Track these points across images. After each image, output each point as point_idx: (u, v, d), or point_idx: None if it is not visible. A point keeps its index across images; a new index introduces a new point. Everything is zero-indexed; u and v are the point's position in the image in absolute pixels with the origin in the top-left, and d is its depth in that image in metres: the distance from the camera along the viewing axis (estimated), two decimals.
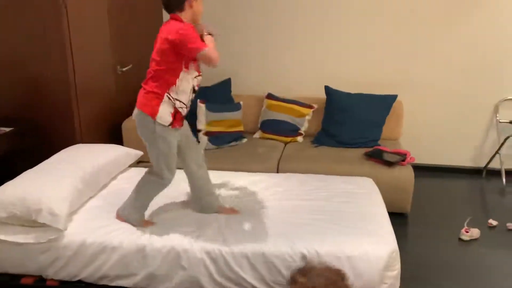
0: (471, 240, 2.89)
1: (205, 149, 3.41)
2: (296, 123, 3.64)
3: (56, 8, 2.58)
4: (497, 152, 3.75)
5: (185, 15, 2.04)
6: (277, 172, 3.18)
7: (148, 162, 3.09)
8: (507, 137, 3.58)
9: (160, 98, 2.04)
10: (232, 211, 2.28)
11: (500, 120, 3.81)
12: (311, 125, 3.69)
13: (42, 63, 2.69)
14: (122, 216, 2.17)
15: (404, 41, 3.75)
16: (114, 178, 2.59)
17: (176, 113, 2.08)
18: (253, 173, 2.79)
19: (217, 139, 3.45)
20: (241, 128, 3.61)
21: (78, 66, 2.78)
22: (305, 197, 2.40)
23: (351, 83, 3.79)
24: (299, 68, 3.89)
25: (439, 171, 4.00)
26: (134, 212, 2.14)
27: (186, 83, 2.06)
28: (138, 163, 3.06)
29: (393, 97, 3.55)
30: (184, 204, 2.33)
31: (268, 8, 3.82)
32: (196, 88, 2.16)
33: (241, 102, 3.67)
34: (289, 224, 2.09)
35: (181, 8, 2.02)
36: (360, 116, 3.48)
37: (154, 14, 3.87)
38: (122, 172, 2.68)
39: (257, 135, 3.73)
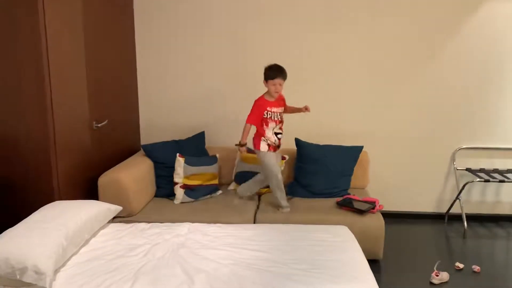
0: (441, 283, 3.03)
1: (182, 202, 3.45)
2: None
3: (38, 63, 2.63)
4: (457, 198, 4.00)
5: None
6: (254, 221, 3.25)
7: (123, 217, 3.11)
8: (466, 183, 3.84)
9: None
10: None
11: (457, 168, 4.09)
12: (283, 176, 3.80)
13: (19, 119, 2.70)
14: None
15: (366, 94, 4.03)
16: (94, 234, 2.58)
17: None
18: (232, 225, 2.85)
19: (194, 192, 3.50)
20: (216, 181, 3.69)
21: (58, 122, 2.80)
22: (286, 248, 2.47)
23: (319, 135, 3.99)
24: None
25: (404, 217, 4.20)
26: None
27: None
28: (114, 218, 3.06)
29: (359, 148, 3.76)
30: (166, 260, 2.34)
31: (237, 63, 4.04)
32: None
33: (217, 155, 3.76)
34: (276, 275, 2.14)
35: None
36: (330, 166, 3.65)
37: (129, 69, 3.98)
38: (101, 228, 2.67)
39: (232, 186, 3.81)
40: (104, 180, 3.16)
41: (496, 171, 4.02)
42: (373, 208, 3.31)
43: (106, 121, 3.47)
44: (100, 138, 3.44)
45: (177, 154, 3.52)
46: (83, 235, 2.37)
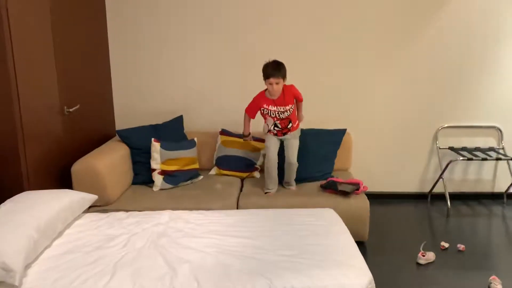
0: (427, 263, 3.01)
1: (161, 189, 3.31)
2: (251, 158, 3.65)
3: (0, 42, 2.44)
4: (440, 177, 3.98)
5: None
6: (237, 208, 3.15)
7: (99, 206, 2.96)
8: (449, 162, 3.81)
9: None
10: None
11: (440, 147, 4.06)
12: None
13: None
14: None
15: (349, 77, 3.94)
16: (68, 225, 2.43)
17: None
18: (215, 211, 2.74)
19: (173, 178, 3.37)
20: (196, 166, 3.56)
21: (25, 107, 2.61)
22: (271, 233, 2.38)
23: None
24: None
25: (388, 197, 4.17)
26: None
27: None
28: (90, 208, 2.91)
29: (343, 131, 3.68)
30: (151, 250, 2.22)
31: (218, 47, 3.88)
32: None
33: (196, 139, 3.63)
34: (263, 262, 2.05)
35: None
36: (313, 151, 3.56)
37: (101, 51, 3.78)
38: (76, 218, 2.52)
39: (213, 171, 3.69)
40: (78, 168, 2.99)
41: (478, 149, 4.00)
42: (358, 190, 3.25)
43: (78, 105, 3.28)
44: (72, 123, 3.25)
45: (152, 138, 3.37)
46: (56, 226, 2.22)
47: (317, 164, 3.57)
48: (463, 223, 3.69)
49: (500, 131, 4.06)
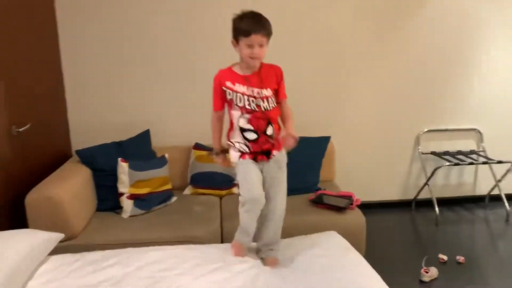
0: (431, 280, 2.80)
1: (132, 216, 2.89)
2: (229, 173, 3.30)
3: None
4: (426, 183, 3.82)
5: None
6: (222, 232, 2.80)
7: (62, 241, 2.49)
8: (436, 168, 3.66)
9: None
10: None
11: (422, 152, 3.92)
12: None
13: None
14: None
15: (328, 83, 3.70)
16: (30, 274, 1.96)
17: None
18: (210, 245, 2.33)
19: (144, 202, 2.96)
20: (169, 186, 3.16)
21: None
22: (288, 274, 1.99)
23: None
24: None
25: (372, 207, 3.95)
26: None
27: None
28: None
29: (327, 139, 3.43)
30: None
31: (187, 54, 3.50)
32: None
33: (166, 156, 3.24)
34: None
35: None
36: (298, 160, 3.26)
37: (53, 64, 3.30)
38: (41, 263, 2.05)
39: (188, 191, 3.31)
40: (33, 198, 2.51)
41: (460, 152, 3.89)
42: (352, 204, 3.00)
43: (29, 124, 2.80)
44: (23, 145, 2.77)
45: (119, 159, 2.95)
46: (15, 281, 1.76)
47: (301, 174, 3.28)
48: (454, 231, 3.55)
49: (480, 133, 3.97)
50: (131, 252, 2.10)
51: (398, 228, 3.62)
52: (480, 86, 3.88)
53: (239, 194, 2.13)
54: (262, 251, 2.23)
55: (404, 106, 3.84)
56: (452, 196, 4.08)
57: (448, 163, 3.61)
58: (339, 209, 2.94)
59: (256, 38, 1.95)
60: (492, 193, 4.05)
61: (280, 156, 2.22)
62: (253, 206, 2.08)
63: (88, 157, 3.00)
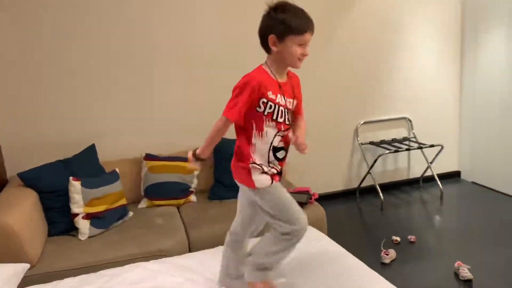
0: (391, 261, 2.98)
1: (90, 236, 2.73)
2: (185, 181, 3.25)
3: None
4: (369, 172, 4.05)
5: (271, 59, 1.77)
6: (189, 242, 2.74)
7: None
8: (378, 156, 3.90)
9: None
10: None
11: (362, 143, 4.15)
12: (201, 180, 3.35)
13: None
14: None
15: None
16: None
17: None
18: (187, 256, 2.28)
19: (102, 220, 2.80)
20: (124, 201, 3.03)
21: None
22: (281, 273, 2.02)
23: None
24: (175, 119, 3.52)
25: (319, 200, 4.10)
26: None
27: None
28: None
29: None
30: None
31: (129, 64, 3.37)
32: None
33: (117, 170, 3.09)
34: None
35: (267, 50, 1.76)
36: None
37: None
38: None
39: (143, 204, 3.19)
40: None
41: (394, 140, 4.18)
42: (311, 198, 3.10)
43: None
44: None
45: (70, 177, 2.77)
46: None
47: None
48: (398, 213, 3.80)
49: (410, 121, 4.30)
50: (107, 275, 1.99)
51: (349, 217, 3.80)
52: (406, 79, 4.21)
53: (277, 226, 1.78)
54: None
55: (341, 101, 4.04)
56: (390, 181, 4.37)
57: (388, 151, 3.86)
58: (300, 205, 3.00)
59: (308, 36, 1.72)
60: (425, 174, 4.40)
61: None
62: (302, 236, 1.79)
63: (33, 179, 2.78)
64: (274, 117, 1.72)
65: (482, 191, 4.18)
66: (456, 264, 2.78)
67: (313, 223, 2.90)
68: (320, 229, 2.93)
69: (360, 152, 4.18)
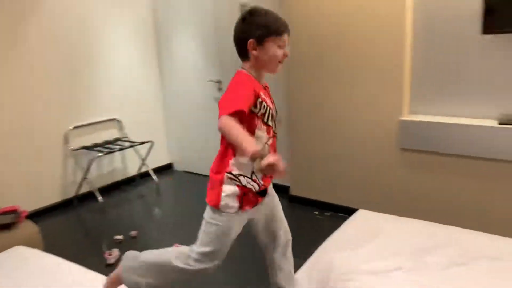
0: (117, 260, 3.02)
1: None
2: None
3: None
4: (84, 178, 3.95)
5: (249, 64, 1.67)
6: None
7: None
8: (91, 160, 3.85)
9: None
10: None
11: (73, 149, 4.00)
12: None
13: None
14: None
15: None
16: None
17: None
18: None
19: None
20: None
21: None
22: None
23: None
24: None
25: (36, 216, 3.78)
26: None
27: None
28: None
29: None
30: None
31: None
32: None
33: None
34: None
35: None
36: None
37: None
38: None
39: None
40: None
41: (107, 142, 4.21)
42: (19, 217, 2.81)
43: None
44: None
45: None
46: None
47: None
48: (120, 213, 3.87)
49: (120, 121, 4.40)
50: None
51: (68, 227, 3.64)
52: (112, 82, 4.28)
53: (195, 247, 1.73)
54: None
55: (46, 107, 3.80)
56: (108, 183, 4.39)
57: (100, 154, 3.86)
58: (7, 226, 2.71)
59: (286, 36, 1.66)
60: (141, 171, 4.61)
61: (270, 189, 1.85)
62: (211, 268, 1.72)
63: None
64: (265, 119, 1.65)
65: (192, 177, 4.69)
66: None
67: (26, 242, 2.68)
68: (35, 246, 2.73)
69: (73, 159, 4.03)
